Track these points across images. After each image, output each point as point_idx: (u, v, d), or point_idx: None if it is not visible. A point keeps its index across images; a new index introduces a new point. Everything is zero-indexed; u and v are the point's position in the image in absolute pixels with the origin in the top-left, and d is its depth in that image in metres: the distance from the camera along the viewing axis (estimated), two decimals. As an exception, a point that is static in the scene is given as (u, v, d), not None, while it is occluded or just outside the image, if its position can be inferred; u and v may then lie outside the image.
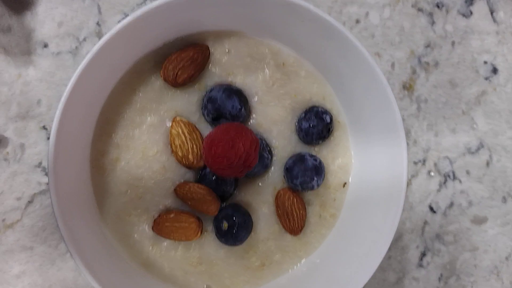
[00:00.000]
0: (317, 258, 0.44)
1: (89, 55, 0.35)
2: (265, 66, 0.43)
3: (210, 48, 0.42)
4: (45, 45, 0.46)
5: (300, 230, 0.43)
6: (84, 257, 0.35)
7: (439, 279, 0.54)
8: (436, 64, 0.54)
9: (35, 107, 0.46)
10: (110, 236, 0.40)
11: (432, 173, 0.54)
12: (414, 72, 0.54)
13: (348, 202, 0.44)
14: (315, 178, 0.42)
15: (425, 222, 0.54)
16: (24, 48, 0.46)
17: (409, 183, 0.54)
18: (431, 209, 0.54)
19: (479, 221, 0.55)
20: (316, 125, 0.42)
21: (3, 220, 0.45)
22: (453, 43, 0.55)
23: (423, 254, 0.54)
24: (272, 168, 0.43)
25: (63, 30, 0.46)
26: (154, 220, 0.40)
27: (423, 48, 0.54)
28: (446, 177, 0.55)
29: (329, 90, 0.44)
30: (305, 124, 0.43)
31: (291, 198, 0.42)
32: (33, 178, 0.46)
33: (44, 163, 0.46)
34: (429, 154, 0.54)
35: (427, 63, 0.54)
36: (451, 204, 0.55)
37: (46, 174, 0.46)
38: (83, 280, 0.46)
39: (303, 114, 0.43)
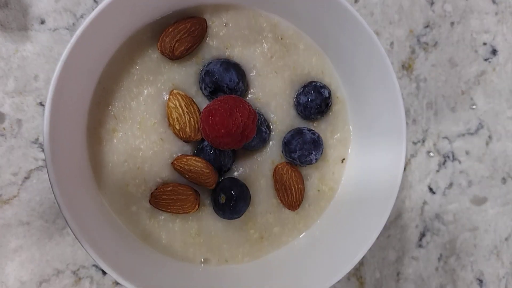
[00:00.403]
0: (316, 230, 0.44)
1: (83, 25, 0.35)
2: (263, 39, 0.43)
3: (207, 21, 0.41)
4: (42, 22, 0.46)
5: (298, 205, 0.43)
6: (82, 227, 0.35)
7: (439, 259, 0.54)
8: (435, 44, 0.54)
9: (32, 82, 0.46)
10: (108, 207, 0.40)
11: (431, 154, 0.54)
12: (413, 51, 0.54)
13: (347, 176, 0.44)
14: (313, 152, 0.42)
15: (424, 202, 0.54)
16: (21, 24, 0.46)
17: (408, 163, 0.54)
18: (431, 189, 0.54)
19: (479, 201, 0.55)
20: (314, 99, 0.42)
21: (0, 195, 0.45)
22: (452, 23, 0.55)
23: (423, 235, 0.54)
24: (270, 142, 0.43)
25: (60, 5, 0.46)
26: (152, 193, 0.40)
27: (422, 27, 0.54)
28: (445, 157, 0.55)
29: (328, 64, 0.44)
30: (303, 99, 0.42)
31: (289, 172, 0.42)
32: (30, 153, 0.46)
33: (41, 139, 0.46)
34: (428, 134, 0.54)
35: (426, 43, 0.54)
36: (451, 184, 0.55)
37: (43, 150, 0.46)
38: (81, 254, 0.46)
39: (301, 89, 0.43)
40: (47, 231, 0.46)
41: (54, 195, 0.34)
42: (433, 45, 0.54)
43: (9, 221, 0.45)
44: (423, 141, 0.54)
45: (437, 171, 0.55)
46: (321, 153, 0.42)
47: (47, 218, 0.46)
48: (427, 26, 0.54)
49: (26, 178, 0.46)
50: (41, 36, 0.46)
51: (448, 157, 0.55)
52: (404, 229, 0.54)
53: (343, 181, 0.44)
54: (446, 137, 0.55)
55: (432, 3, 0.54)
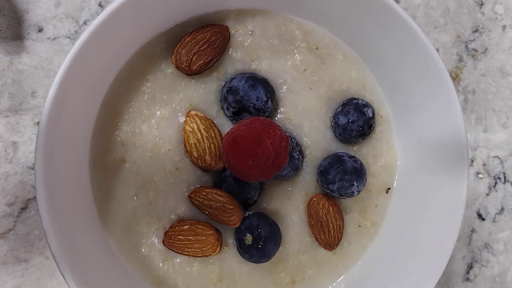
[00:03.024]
0: (356, 273, 0.39)
1: (86, 33, 0.31)
2: (295, 49, 0.38)
3: (230, 30, 0.37)
4: (40, 29, 0.42)
5: (337, 244, 0.38)
6: (82, 278, 0.30)
7: (488, 294, 0.49)
8: (485, 50, 0.50)
9: (30, 99, 0.42)
10: (115, 250, 0.36)
11: (480, 175, 0.49)
12: (460, 59, 0.50)
13: (393, 208, 0.40)
14: (356, 183, 0.36)
15: (473, 230, 0.50)
16: (16, 32, 0.41)
17: (454, 186, 0.49)
18: (479, 216, 0.49)
19: (534, 228, 0.50)
20: (355, 120, 0.37)
21: (-6, 229, 0.41)
22: (504, 27, 0.50)
23: (470, 267, 0.49)
24: (304, 170, 0.38)
25: (61, 11, 0.42)
26: (165, 233, 0.36)
27: (471, 32, 0.49)
28: (496, 179, 0.50)
29: (370, 77, 0.40)
30: (342, 119, 0.38)
31: (326, 206, 0.37)
32: (27, 181, 0.42)
33: (40, 164, 0.41)
34: (477, 153, 0.50)
35: (475, 50, 0.50)
36: (502, 209, 0.51)
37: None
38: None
39: (340, 108, 0.38)
40: (47, 269, 0.42)
41: (49, 245, 0.29)
42: (483, 52, 0.50)
43: (4, 258, 0.41)
44: (472, 162, 0.50)
45: (487, 194, 0.50)
46: (364, 184, 0.37)
47: (48, 254, 0.42)
48: (475, 31, 0.50)
49: (23, 209, 0.42)
50: (39, 46, 0.42)
51: (499, 178, 0.50)
52: (450, 261, 0.49)
53: (388, 215, 0.40)
54: (497, 156, 0.50)
55: (481, 5, 0.50)
